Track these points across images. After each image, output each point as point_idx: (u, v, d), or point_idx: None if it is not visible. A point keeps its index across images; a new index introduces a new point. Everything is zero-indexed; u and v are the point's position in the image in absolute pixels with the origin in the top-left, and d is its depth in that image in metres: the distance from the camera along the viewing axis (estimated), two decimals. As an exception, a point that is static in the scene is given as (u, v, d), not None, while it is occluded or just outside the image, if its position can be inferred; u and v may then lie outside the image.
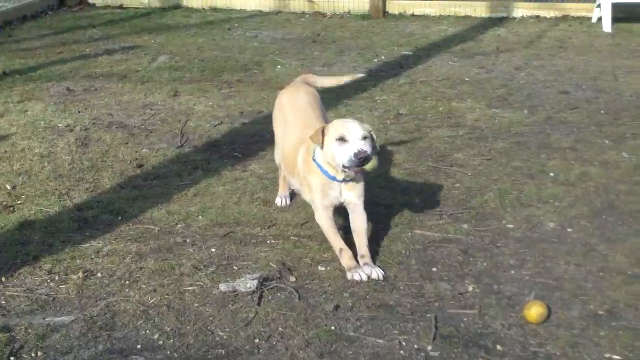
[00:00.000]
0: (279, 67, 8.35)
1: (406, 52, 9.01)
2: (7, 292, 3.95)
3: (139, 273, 4.15)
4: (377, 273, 4.07)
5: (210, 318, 3.74)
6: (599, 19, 10.25)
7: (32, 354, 3.46)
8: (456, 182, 5.33)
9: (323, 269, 4.18)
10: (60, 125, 6.43)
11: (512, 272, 4.17)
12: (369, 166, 4.03)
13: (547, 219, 4.78)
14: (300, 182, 4.48)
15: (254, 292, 3.92)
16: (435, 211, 4.90)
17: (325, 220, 4.29)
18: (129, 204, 4.99)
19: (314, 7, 11.45)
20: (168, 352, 3.48)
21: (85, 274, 4.12)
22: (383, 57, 8.79)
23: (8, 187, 5.22)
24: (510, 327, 3.67)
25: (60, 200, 5.03)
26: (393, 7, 11.25)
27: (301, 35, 9.96)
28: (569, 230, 4.65)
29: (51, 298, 3.90)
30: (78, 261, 4.26)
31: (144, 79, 7.82)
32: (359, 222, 4.28)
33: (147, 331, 3.64)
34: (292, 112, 4.73)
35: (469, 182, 5.34)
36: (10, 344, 3.51)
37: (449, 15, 11.10)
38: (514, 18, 10.94)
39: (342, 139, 4.04)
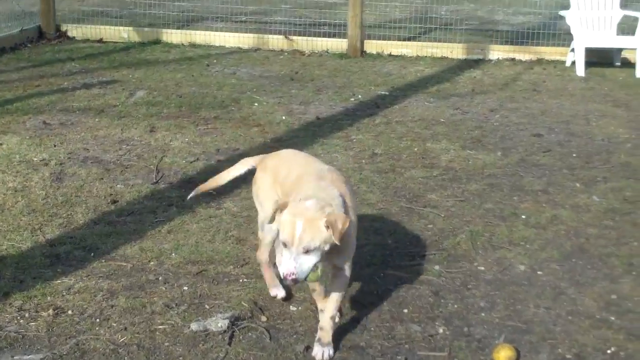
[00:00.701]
0: (256, 104, 8.40)
1: (383, 92, 9.10)
2: (-24, 329, 3.92)
3: (110, 311, 4.13)
4: (326, 355, 3.72)
5: (181, 358, 3.73)
6: (573, 62, 10.42)
7: (-1, 393, 3.43)
8: (429, 223, 5.38)
9: (295, 308, 4.19)
10: (35, 159, 6.42)
11: (483, 314, 4.20)
12: (310, 278, 3.46)
13: (517, 262, 4.82)
14: (256, 193, 4.21)
15: (225, 331, 3.92)
16: (408, 252, 4.94)
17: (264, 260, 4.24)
18: (102, 240, 4.98)
19: (292, 45, 11.56)
20: (137, 392, 3.47)
21: (56, 311, 4.10)
22: (360, 96, 8.87)
23: (-20, 222, 5.20)
24: (479, 370, 3.70)
25: (32, 236, 5.02)
26: (371, 47, 11.37)
27: (279, 73, 10.03)
28: (539, 273, 4.70)
29: (20, 335, 3.87)
30: (49, 298, 4.24)
31: (121, 114, 7.83)
32: (334, 286, 3.77)
33: (117, 370, 3.62)
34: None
35: (442, 223, 5.38)
36: (-22, 382, 3.49)
37: (425, 56, 11.24)
38: (490, 60, 11.10)
39: (284, 243, 3.47)
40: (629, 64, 10.65)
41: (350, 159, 6.64)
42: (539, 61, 10.96)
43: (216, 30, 11.94)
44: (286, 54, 11.35)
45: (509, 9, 15.44)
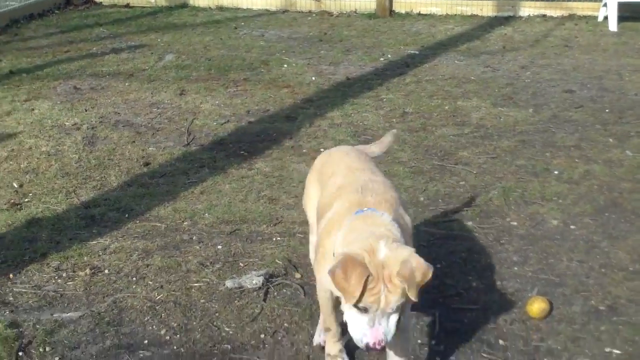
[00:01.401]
0: (285, 66, 8.38)
1: (412, 51, 9.03)
2: (15, 289, 4.00)
3: (145, 270, 4.19)
4: None
5: (217, 314, 3.78)
6: (605, 17, 10.24)
7: (41, 349, 3.51)
8: (461, 180, 5.37)
9: (328, 265, 4.22)
10: (67, 123, 6.48)
11: (515, 268, 4.21)
12: None
13: (550, 217, 4.80)
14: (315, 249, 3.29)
15: (259, 288, 3.97)
16: (440, 209, 4.94)
17: (323, 299, 3.19)
18: (135, 202, 5.04)
19: (320, 6, 11.48)
20: (175, 348, 3.53)
21: (93, 270, 4.17)
22: (389, 56, 8.81)
23: (15, 185, 5.27)
24: (512, 323, 3.71)
25: (67, 198, 5.08)
26: (400, 6, 11.26)
27: (308, 34, 9.99)
28: (572, 227, 4.68)
29: (59, 294, 3.95)
30: (85, 258, 4.31)
31: (150, 78, 7.87)
32: (398, 348, 3.10)
33: (154, 327, 3.68)
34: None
35: (474, 180, 5.37)
36: (19, 340, 3.56)
37: (455, 14, 11.12)
38: (521, 17, 10.94)
39: (362, 309, 2.72)
40: (662, 18, 10.46)
41: (381, 118, 6.62)
42: (571, 17, 10.79)
43: (243, -7, 11.90)
44: (314, 15, 11.28)
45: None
